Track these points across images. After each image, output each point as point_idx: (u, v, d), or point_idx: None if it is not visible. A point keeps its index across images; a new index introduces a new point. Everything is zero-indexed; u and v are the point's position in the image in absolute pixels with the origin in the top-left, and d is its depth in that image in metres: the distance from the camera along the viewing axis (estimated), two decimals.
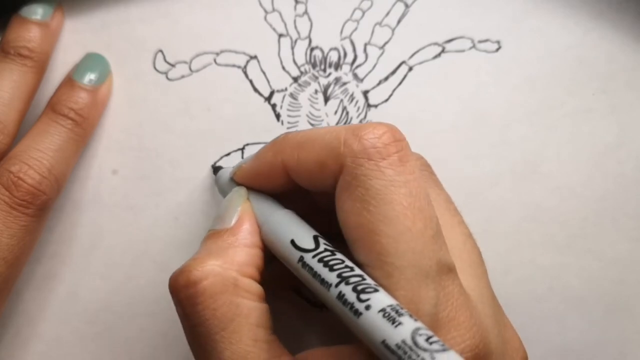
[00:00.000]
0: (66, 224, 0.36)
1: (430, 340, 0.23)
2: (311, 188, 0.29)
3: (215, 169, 0.36)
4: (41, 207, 0.33)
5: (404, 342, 0.23)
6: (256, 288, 0.28)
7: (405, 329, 0.24)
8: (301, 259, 0.27)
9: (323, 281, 0.26)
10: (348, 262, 0.27)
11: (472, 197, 0.37)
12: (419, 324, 0.24)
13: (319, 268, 0.26)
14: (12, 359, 0.36)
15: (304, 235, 0.28)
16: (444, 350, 0.23)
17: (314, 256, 0.27)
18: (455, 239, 0.30)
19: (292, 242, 0.28)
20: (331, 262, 0.26)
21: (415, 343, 0.23)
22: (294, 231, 0.28)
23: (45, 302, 0.36)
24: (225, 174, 0.33)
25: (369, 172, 0.27)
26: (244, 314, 0.27)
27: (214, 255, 0.28)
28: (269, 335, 0.27)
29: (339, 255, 0.27)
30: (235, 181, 0.32)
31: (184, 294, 0.27)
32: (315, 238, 0.28)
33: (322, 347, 0.27)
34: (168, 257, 0.36)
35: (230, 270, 0.27)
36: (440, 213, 0.29)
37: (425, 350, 0.23)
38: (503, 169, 0.37)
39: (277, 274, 0.31)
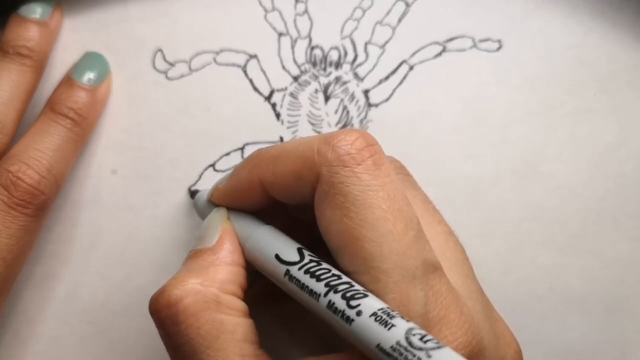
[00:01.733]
0: (65, 224, 0.36)
1: (425, 339, 0.23)
2: (289, 201, 0.29)
3: (192, 193, 0.36)
4: (40, 206, 0.33)
5: (398, 343, 0.23)
6: (239, 304, 0.28)
7: (399, 331, 0.24)
8: (287, 272, 0.27)
9: (311, 292, 0.26)
10: (334, 271, 0.26)
11: (473, 197, 0.37)
12: (411, 324, 0.24)
13: (306, 279, 0.26)
14: (11, 359, 0.36)
15: (288, 248, 0.28)
16: (439, 347, 0.23)
17: (299, 268, 0.27)
18: (437, 238, 0.30)
19: (277, 256, 0.28)
20: (318, 272, 0.26)
21: (410, 343, 0.23)
22: (277, 245, 0.28)
23: (45, 302, 0.36)
24: (202, 197, 0.33)
25: (345, 179, 0.27)
26: (228, 330, 0.26)
27: (194, 274, 0.28)
28: (256, 350, 0.27)
29: (324, 265, 0.27)
30: (213, 203, 0.31)
31: (165, 314, 0.27)
32: (300, 250, 0.28)
33: (311, 357, 0.27)
34: (168, 257, 0.36)
35: (211, 288, 0.27)
36: (420, 213, 0.29)
37: (420, 349, 0.23)
38: (503, 169, 0.37)
39: (260, 292, 0.31)
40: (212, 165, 0.36)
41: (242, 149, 0.36)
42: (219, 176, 0.36)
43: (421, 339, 0.23)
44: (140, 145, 0.36)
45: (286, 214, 0.32)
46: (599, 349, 0.37)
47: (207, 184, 0.36)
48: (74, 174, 0.36)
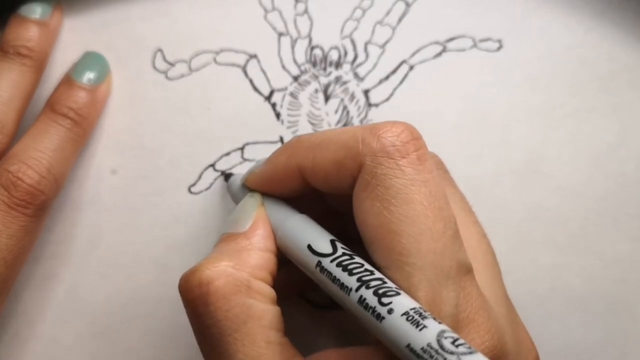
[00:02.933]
0: (65, 224, 0.36)
1: (457, 343, 0.23)
2: (327, 190, 0.29)
3: (227, 176, 0.36)
4: (40, 207, 0.33)
5: (429, 345, 0.23)
6: (269, 291, 0.28)
7: (431, 332, 0.23)
8: (319, 263, 0.27)
9: (343, 286, 0.26)
10: (367, 266, 0.26)
11: (473, 197, 0.37)
12: (443, 327, 0.24)
13: (338, 272, 0.26)
14: (11, 359, 0.36)
15: (321, 239, 0.28)
16: (470, 352, 0.23)
17: (332, 260, 0.27)
18: (470, 239, 0.30)
19: (309, 246, 0.27)
20: (350, 266, 0.26)
21: (442, 346, 0.23)
22: (310, 236, 0.28)
23: (45, 302, 0.36)
24: (236, 181, 0.32)
25: (389, 170, 0.27)
26: (257, 316, 0.26)
27: (226, 256, 0.28)
28: (281, 338, 0.27)
29: (357, 259, 0.27)
30: (247, 187, 0.31)
31: (196, 294, 0.27)
32: (333, 242, 0.27)
33: (335, 348, 0.27)
34: (168, 257, 0.36)
35: (243, 272, 0.27)
36: (456, 212, 0.28)
37: (452, 353, 0.23)
38: (504, 169, 0.37)
39: (287, 280, 0.31)
40: (212, 165, 0.36)
41: (242, 149, 0.36)
42: (218, 175, 0.36)
43: (453, 342, 0.23)
44: (140, 145, 0.36)
45: (321, 203, 0.31)
46: (599, 348, 0.37)
47: (207, 184, 0.36)
48: (74, 174, 0.36)
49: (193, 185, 0.36)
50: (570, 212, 0.37)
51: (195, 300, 0.27)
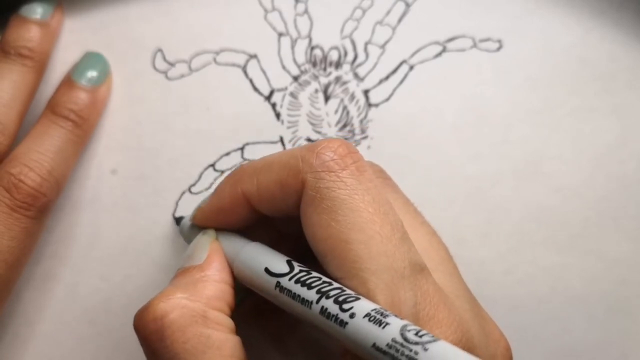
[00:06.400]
0: (65, 224, 0.36)
1: (420, 333, 0.24)
2: (274, 213, 0.29)
3: (177, 220, 0.36)
4: (42, 209, 0.33)
5: (394, 340, 0.23)
6: (226, 321, 0.27)
7: (394, 328, 0.24)
8: (278, 284, 0.27)
9: (303, 300, 0.26)
10: (325, 278, 0.27)
11: (473, 197, 0.37)
12: (405, 322, 0.24)
13: (297, 289, 0.26)
14: (11, 359, 0.36)
15: (277, 261, 0.28)
16: (434, 340, 0.23)
17: (290, 279, 0.27)
18: (421, 239, 0.30)
19: (267, 269, 0.28)
20: (308, 281, 0.26)
21: (406, 339, 0.23)
22: (266, 259, 0.28)
23: (44, 302, 0.36)
24: (187, 222, 0.32)
25: (331, 183, 0.27)
26: (215, 346, 0.26)
27: (181, 289, 0.27)
28: None
29: (314, 274, 0.27)
30: (197, 225, 0.31)
31: (151, 329, 0.26)
32: (289, 262, 0.28)
33: None
34: (167, 257, 0.36)
35: (198, 302, 0.27)
36: (402, 216, 0.29)
37: (416, 343, 0.23)
38: (504, 169, 0.37)
39: (247, 311, 0.31)
40: (212, 165, 0.36)
41: (242, 149, 0.36)
42: (218, 175, 0.36)
43: (416, 334, 0.24)
44: (140, 145, 0.36)
45: (272, 229, 0.32)
46: (600, 349, 0.37)
47: (207, 184, 0.36)
48: (74, 174, 0.36)
49: (193, 185, 0.36)
50: (571, 212, 0.37)
51: (151, 336, 0.26)
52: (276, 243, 0.29)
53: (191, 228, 0.32)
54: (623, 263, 0.37)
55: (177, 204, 0.36)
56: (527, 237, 0.37)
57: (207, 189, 0.36)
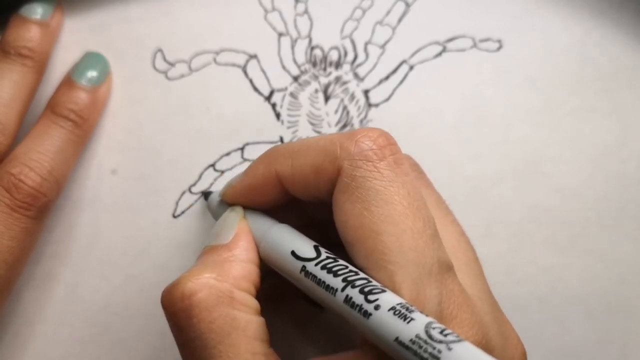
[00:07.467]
0: (65, 224, 0.36)
1: (445, 332, 0.23)
2: (306, 197, 0.29)
3: (206, 195, 0.36)
4: (42, 209, 0.33)
5: (418, 336, 0.23)
6: (252, 302, 0.28)
7: (418, 324, 0.24)
8: (303, 268, 0.27)
9: (328, 287, 0.26)
10: (351, 267, 0.26)
11: (474, 197, 0.37)
12: (431, 319, 0.24)
13: (323, 275, 0.26)
14: (11, 359, 0.36)
15: (304, 245, 0.28)
16: (459, 340, 0.23)
17: (316, 264, 0.27)
18: (449, 238, 0.30)
19: (293, 253, 0.28)
20: (335, 268, 0.26)
21: (430, 336, 0.23)
22: (293, 243, 0.28)
23: (45, 302, 0.36)
24: (216, 198, 0.32)
25: (367, 173, 0.27)
26: (241, 327, 0.26)
27: (209, 268, 0.28)
28: (266, 349, 0.27)
29: (341, 262, 0.27)
30: (226, 202, 0.31)
31: (178, 307, 0.27)
32: (316, 247, 0.28)
33: (322, 357, 0.27)
34: (167, 257, 0.36)
35: (226, 283, 0.27)
36: (433, 213, 0.29)
37: (440, 342, 0.23)
38: (505, 169, 0.37)
39: (272, 291, 0.31)
40: (212, 165, 0.36)
41: (242, 149, 0.36)
42: (218, 176, 0.36)
43: (441, 332, 0.23)
44: (140, 145, 0.36)
45: (301, 213, 0.31)
46: (600, 349, 0.37)
47: (206, 184, 0.36)
48: (74, 174, 0.36)
49: (193, 185, 0.36)
50: (571, 212, 0.37)
51: (178, 313, 0.27)
52: (304, 227, 0.29)
53: (219, 204, 0.32)
54: (623, 263, 0.37)
55: (177, 204, 0.36)
56: (528, 237, 0.37)
57: (207, 189, 0.36)
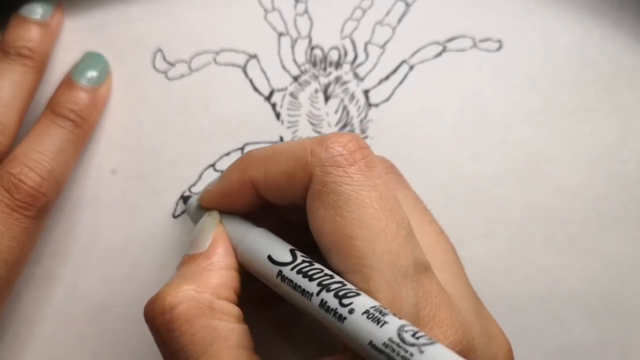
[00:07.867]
0: (65, 224, 0.36)
1: (417, 335, 0.24)
2: (280, 202, 0.29)
3: (185, 199, 0.36)
4: (42, 209, 0.33)
5: (390, 340, 0.24)
6: (233, 310, 0.28)
7: (391, 327, 0.24)
8: (280, 273, 0.27)
9: (304, 292, 0.26)
10: (327, 271, 0.27)
11: (474, 197, 0.37)
12: (403, 322, 0.24)
13: (299, 279, 0.27)
14: (11, 359, 0.36)
15: (280, 249, 0.28)
16: (431, 343, 0.23)
17: (292, 268, 0.27)
18: (427, 238, 0.30)
19: (270, 257, 0.28)
20: (310, 272, 0.27)
21: (402, 339, 0.23)
22: (270, 247, 0.28)
23: (45, 302, 0.36)
24: (194, 202, 0.33)
25: (338, 178, 0.27)
26: (222, 337, 0.27)
27: (187, 280, 0.28)
28: (251, 356, 0.27)
29: (317, 265, 0.27)
30: (203, 207, 0.31)
31: (160, 322, 0.27)
32: (292, 251, 0.28)
33: None
34: (167, 257, 0.36)
35: (205, 294, 0.27)
36: (410, 213, 0.29)
37: (412, 345, 0.23)
38: (504, 169, 0.37)
39: (254, 295, 0.31)
40: (212, 165, 0.36)
41: (242, 149, 0.37)
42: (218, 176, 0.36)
43: (413, 335, 0.24)
44: (140, 145, 0.36)
45: (277, 216, 0.32)
46: (600, 349, 0.37)
47: (206, 184, 0.36)
48: (74, 174, 0.36)
49: (193, 185, 0.36)
50: (571, 212, 0.37)
51: (160, 327, 0.27)
52: (280, 230, 0.30)
53: (197, 208, 0.32)
54: (623, 263, 0.37)
55: (177, 204, 0.36)
56: (527, 237, 0.37)
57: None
